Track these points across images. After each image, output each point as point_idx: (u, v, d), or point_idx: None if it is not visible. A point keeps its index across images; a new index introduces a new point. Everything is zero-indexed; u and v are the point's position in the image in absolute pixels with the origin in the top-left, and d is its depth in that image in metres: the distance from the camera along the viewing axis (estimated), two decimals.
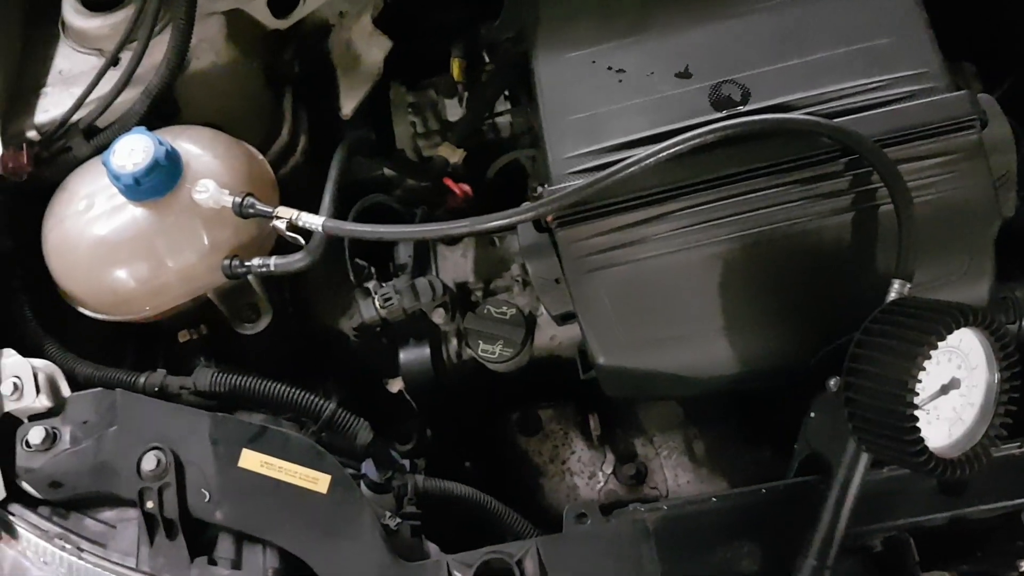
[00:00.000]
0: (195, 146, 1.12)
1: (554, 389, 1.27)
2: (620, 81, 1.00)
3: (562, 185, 0.96)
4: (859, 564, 0.87)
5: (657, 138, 0.94)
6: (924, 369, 0.75)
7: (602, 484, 1.26)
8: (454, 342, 1.15)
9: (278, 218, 1.02)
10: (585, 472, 1.27)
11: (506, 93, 1.37)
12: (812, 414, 0.90)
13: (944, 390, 0.80)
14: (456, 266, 1.20)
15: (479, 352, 1.12)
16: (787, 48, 0.97)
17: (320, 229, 1.00)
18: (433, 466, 1.23)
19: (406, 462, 1.08)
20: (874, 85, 0.94)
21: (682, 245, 0.94)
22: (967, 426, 0.81)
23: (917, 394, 0.75)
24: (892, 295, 0.85)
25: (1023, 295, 0.98)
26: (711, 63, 0.98)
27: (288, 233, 1.01)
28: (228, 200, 1.05)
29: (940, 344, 0.76)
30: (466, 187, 1.29)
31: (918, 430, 0.75)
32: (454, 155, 1.30)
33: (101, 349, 1.15)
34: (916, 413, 0.76)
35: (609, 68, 1.00)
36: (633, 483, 1.25)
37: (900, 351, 0.77)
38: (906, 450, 0.76)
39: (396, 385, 1.17)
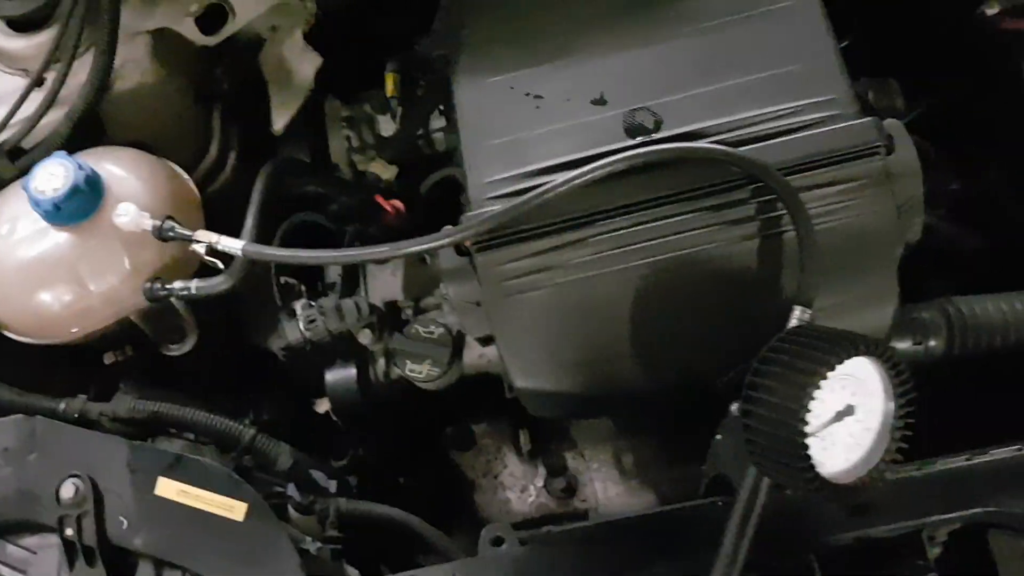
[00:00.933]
0: (118, 168, 1.11)
1: (487, 405, 1.29)
2: (538, 107, 1.01)
3: (481, 211, 0.96)
4: None
5: (574, 164, 0.95)
6: (815, 398, 0.77)
7: (533, 498, 1.28)
8: (381, 362, 1.16)
9: (197, 242, 1.02)
10: (517, 486, 1.29)
11: (441, 108, 1.37)
12: (718, 436, 0.92)
13: (839, 416, 0.81)
14: (386, 284, 1.20)
15: (407, 371, 1.13)
16: (700, 75, 0.98)
17: (239, 253, 1.00)
18: (367, 483, 1.25)
19: (333, 483, 1.09)
20: (782, 112, 0.95)
21: (597, 270, 0.95)
22: (863, 451, 0.82)
23: (808, 422, 0.77)
24: (793, 321, 0.87)
25: (930, 317, 0.99)
26: (626, 90, 0.99)
27: (207, 258, 1.02)
28: (148, 224, 1.04)
29: (832, 373, 0.78)
30: (398, 204, 1.30)
31: (809, 457, 0.77)
32: (386, 171, 1.31)
33: (32, 372, 1.15)
34: (809, 440, 0.77)
35: (527, 94, 1.01)
36: (564, 496, 1.27)
37: (794, 379, 0.78)
38: (799, 476, 0.78)
39: (324, 405, 1.17)
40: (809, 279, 0.87)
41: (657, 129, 0.96)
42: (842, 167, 0.92)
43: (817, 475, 0.78)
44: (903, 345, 0.99)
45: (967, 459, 0.91)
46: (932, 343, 0.99)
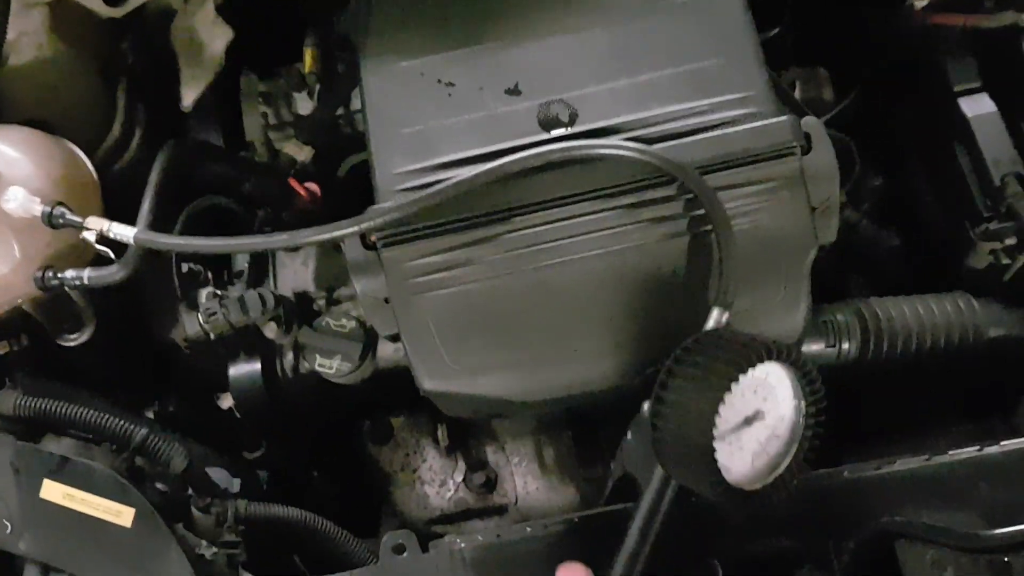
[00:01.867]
0: (10, 148, 1.05)
1: (404, 399, 1.25)
2: (450, 95, 0.96)
3: (386, 204, 0.92)
4: None
5: (487, 157, 0.91)
6: (724, 402, 0.75)
7: (452, 493, 1.25)
8: (290, 356, 1.12)
9: (87, 229, 0.97)
10: (436, 481, 1.26)
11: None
12: (629, 435, 0.90)
13: (748, 422, 0.80)
14: (296, 274, 1.16)
15: (316, 366, 1.09)
16: (617, 68, 0.94)
17: (131, 241, 0.95)
18: (280, 478, 1.21)
19: (236, 482, 1.05)
20: (699, 109, 0.92)
21: (507, 269, 0.92)
22: (770, 458, 0.81)
23: (716, 426, 0.75)
24: (710, 323, 0.85)
25: (844, 319, 0.98)
26: (541, 81, 0.95)
27: (99, 246, 0.96)
28: (38, 209, 0.99)
29: (744, 377, 0.76)
30: (313, 187, 1.25)
31: (716, 461, 0.75)
32: (301, 152, 1.26)
33: None
34: (717, 444, 0.76)
35: (439, 81, 0.97)
36: (483, 491, 1.25)
37: (705, 382, 0.76)
38: (705, 480, 0.77)
39: (228, 400, 1.13)
40: (728, 281, 0.85)
41: (572, 123, 0.93)
42: (757, 167, 0.90)
43: (723, 480, 0.77)
44: (817, 347, 0.97)
45: (876, 468, 0.90)
46: (846, 346, 0.98)
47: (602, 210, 0.91)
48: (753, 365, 0.76)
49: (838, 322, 0.98)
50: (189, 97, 1.27)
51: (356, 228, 0.89)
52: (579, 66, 0.95)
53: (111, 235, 0.96)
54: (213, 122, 1.31)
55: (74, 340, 1.09)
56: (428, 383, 0.93)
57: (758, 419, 0.80)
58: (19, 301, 1.06)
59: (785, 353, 0.78)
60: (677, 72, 0.93)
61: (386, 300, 0.96)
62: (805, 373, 0.80)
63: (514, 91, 0.95)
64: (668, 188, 0.90)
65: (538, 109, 0.94)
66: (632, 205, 0.91)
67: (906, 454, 0.91)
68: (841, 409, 0.96)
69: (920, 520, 0.87)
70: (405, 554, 0.90)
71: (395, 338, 1.00)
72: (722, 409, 0.76)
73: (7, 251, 1.02)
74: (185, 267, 1.16)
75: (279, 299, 1.09)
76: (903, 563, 0.88)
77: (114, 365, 1.15)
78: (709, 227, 0.89)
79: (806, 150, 0.91)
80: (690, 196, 0.89)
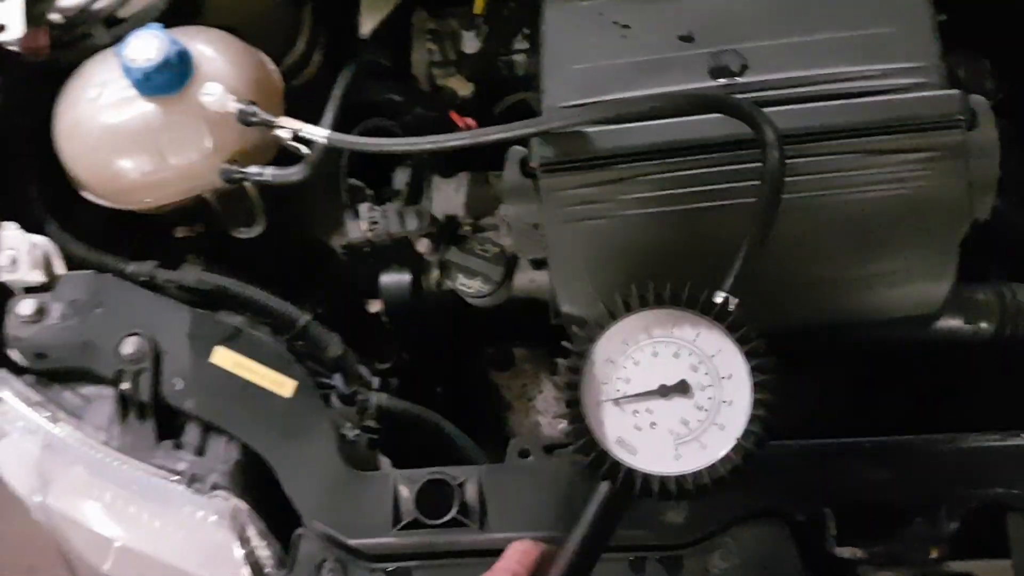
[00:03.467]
0: (209, 48, 1.14)
1: (530, 330, 1.31)
2: (623, 37, 1.01)
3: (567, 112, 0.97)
4: (780, 531, 0.91)
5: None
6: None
7: (564, 425, 1.31)
8: (435, 273, 1.19)
9: (281, 127, 1.05)
10: (549, 412, 1.32)
11: (525, 31, 1.38)
12: None
13: (665, 392, 0.73)
14: (448, 199, 1.22)
15: (458, 285, 1.16)
16: (791, 25, 0.97)
17: (324, 140, 1.03)
18: (406, 388, 1.28)
19: (376, 380, 1.13)
20: (870, 73, 0.94)
21: (661, 206, 0.96)
22: (696, 444, 0.73)
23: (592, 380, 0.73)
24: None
25: (984, 298, 0.99)
26: (714, 30, 0.98)
27: (291, 143, 1.04)
28: (233, 106, 1.08)
29: (656, 331, 0.73)
30: (471, 121, 1.31)
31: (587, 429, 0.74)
32: (464, 88, 1.32)
33: (101, 236, 1.19)
34: (600, 405, 0.74)
35: (615, 23, 1.02)
36: None
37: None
38: (581, 449, 0.74)
39: (376, 306, 1.21)
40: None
41: (742, 73, 0.96)
42: (922, 135, 0.91)
43: (604, 455, 0.73)
44: (955, 323, 0.98)
45: (998, 439, 0.91)
46: (983, 325, 0.99)
47: (751, 161, 0.94)
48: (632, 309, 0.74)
49: (977, 300, 0.99)
50: (368, 25, 1.35)
51: (536, 129, 0.95)
52: (753, 19, 0.98)
53: (302, 134, 1.04)
54: (385, 54, 1.38)
55: (245, 233, 1.18)
56: (568, 307, 0.99)
57: (681, 392, 0.73)
58: (203, 190, 1.16)
59: (703, 306, 0.73)
60: (852, 35, 0.96)
61: (535, 226, 1.02)
62: (746, 343, 0.73)
63: (687, 38, 0.99)
64: (826, 145, 0.92)
65: (709, 57, 0.98)
66: (799, 155, 0.93)
67: None
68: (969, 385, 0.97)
69: None
70: (530, 458, 0.96)
71: (539, 264, 1.06)
72: (623, 364, 0.73)
73: (200, 141, 1.11)
74: (349, 182, 1.23)
75: (433, 218, 1.16)
76: (1012, 537, 0.88)
77: (275, 262, 1.24)
78: (865, 189, 0.92)
79: (971, 126, 0.92)
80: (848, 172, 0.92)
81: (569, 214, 0.97)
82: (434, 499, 0.94)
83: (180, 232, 1.21)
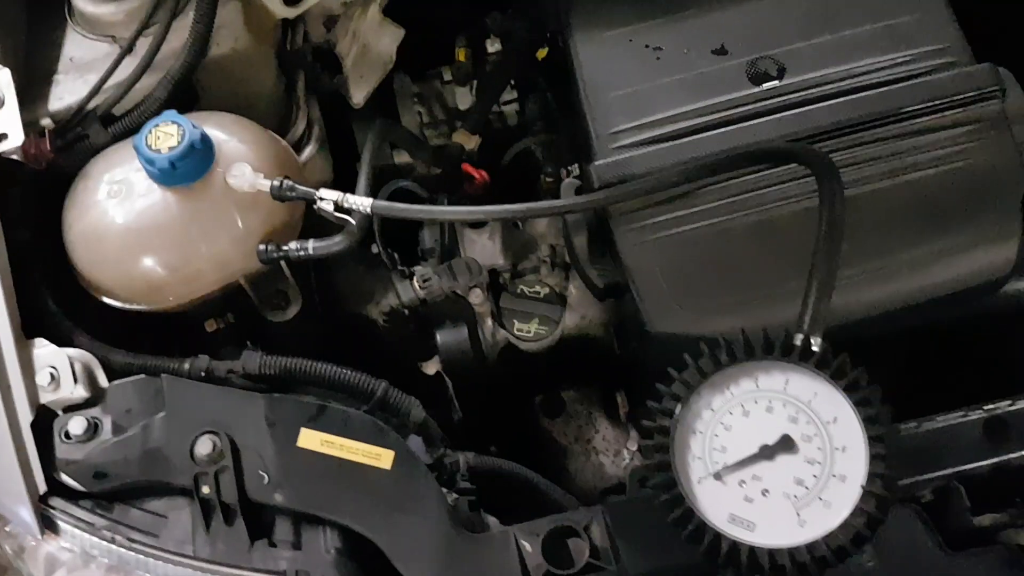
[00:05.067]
0: (221, 132, 1.10)
1: (577, 374, 1.29)
2: (658, 59, 1.03)
3: (608, 159, 0.98)
4: (912, 514, 0.90)
5: (699, 112, 0.99)
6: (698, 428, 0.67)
7: (628, 461, 1.29)
8: (489, 323, 1.16)
9: (322, 199, 1.02)
10: (610, 451, 1.29)
11: (512, 83, 1.39)
12: None
13: (768, 453, 0.67)
14: (484, 249, 1.21)
15: (514, 331, 1.14)
16: (817, 25, 1.01)
17: (368, 210, 0.99)
18: (459, 448, 1.24)
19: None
20: (900, 60, 0.99)
21: (730, 212, 0.97)
22: (812, 508, 0.66)
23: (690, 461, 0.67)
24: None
25: None
26: (746, 40, 1.02)
27: (336, 214, 1.01)
28: (265, 184, 1.04)
29: (733, 389, 0.68)
30: (483, 173, 1.30)
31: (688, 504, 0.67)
32: (470, 142, 1.31)
33: (117, 343, 1.12)
34: (703, 487, 0.67)
35: (647, 46, 1.04)
36: None
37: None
38: (680, 528, 0.69)
39: (431, 367, 1.17)
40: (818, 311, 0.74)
41: (781, 76, 0.99)
42: (964, 109, 0.96)
43: (719, 539, 0.65)
44: (1021, 285, 1.02)
45: None
46: None
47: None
48: (722, 365, 0.67)
49: None
50: (360, 94, 1.34)
51: (603, 199, 0.96)
52: (781, 26, 1.02)
53: (346, 205, 1.01)
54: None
55: (282, 316, 1.13)
56: (658, 326, 0.98)
57: (787, 450, 0.67)
58: (235, 277, 1.10)
59: (800, 354, 0.66)
60: (875, 27, 1.01)
61: (603, 252, 1.01)
62: (845, 382, 0.66)
63: (720, 51, 1.02)
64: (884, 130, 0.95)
65: (746, 66, 1.00)
66: (848, 146, 0.96)
67: None
68: None
69: None
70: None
71: (609, 291, 1.05)
72: (722, 433, 0.66)
73: (231, 226, 1.07)
74: (374, 248, 1.20)
75: (481, 267, 1.13)
76: None
77: (311, 342, 1.18)
78: (922, 169, 0.95)
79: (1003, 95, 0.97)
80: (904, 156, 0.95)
81: (641, 231, 0.97)
82: (560, 549, 0.89)
83: (210, 326, 1.15)
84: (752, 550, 0.64)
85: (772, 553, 0.64)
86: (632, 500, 0.93)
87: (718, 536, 0.65)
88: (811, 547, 0.63)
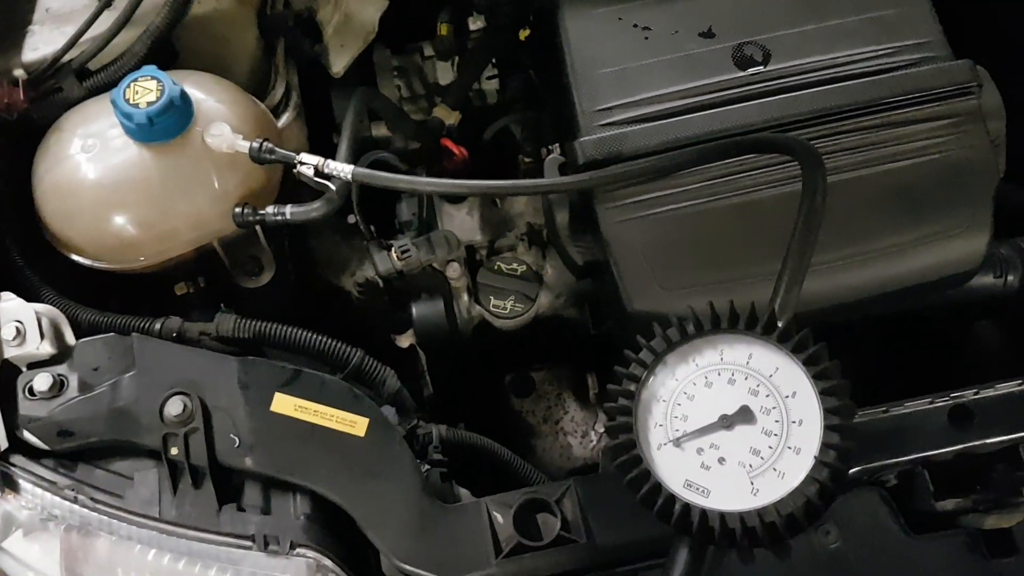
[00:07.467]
0: (200, 91, 1.08)
1: (549, 353, 1.30)
2: (646, 39, 1.03)
3: (592, 136, 0.98)
4: (876, 497, 0.92)
5: (685, 93, 0.99)
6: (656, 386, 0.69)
7: (595, 443, 1.29)
8: (465, 298, 1.15)
9: (303, 163, 1.00)
10: (578, 432, 1.30)
11: (493, 61, 1.38)
12: None
13: (727, 422, 0.67)
14: (462, 224, 1.20)
15: (490, 307, 1.13)
16: (803, 14, 1.03)
17: (349, 176, 0.98)
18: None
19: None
20: (883, 51, 1.00)
21: (712, 195, 0.97)
22: (768, 477, 0.66)
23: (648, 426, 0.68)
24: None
25: (1007, 253, 1.06)
26: (733, 24, 1.03)
27: (316, 179, 1.00)
28: (244, 145, 1.02)
29: (695, 358, 0.69)
30: (463, 150, 1.30)
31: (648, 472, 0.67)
32: (450, 117, 1.30)
33: (84, 303, 1.09)
34: (662, 451, 0.67)
35: (635, 26, 1.04)
36: None
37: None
38: (645, 498, 0.68)
39: (405, 340, 1.16)
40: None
41: (766, 62, 1.00)
42: (943, 103, 0.98)
43: (672, 500, 0.66)
44: (986, 279, 1.04)
45: None
46: (1010, 278, 1.05)
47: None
48: (688, 337, 0.68)
49: (1002, 255, 1.06)
50: (340, 63, 1.32)
51: (591, 182, 0.96)
52: (767, 12, 1.03)
53: (326, 170, 0.99)
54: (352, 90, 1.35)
55: (254, 282, 1.12)
56: (637, 304, 0.98)
57: (745, 421, 0.67)
58: (210, 238, 1.08)
59: (764, 327, 0.67)
60: (860, 19, 1.02)
61: (584, 231, 1.02)
62: (810, 359, 0.67)
63: (707, 34, 1.03)
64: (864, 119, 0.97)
65: (732, 50, 1.01)
66: (828, 134, 0.97)
67: None
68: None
69: None
70: None
71: (588, 269, 1.05)
72: (681, 401, 0.68)
73: (208, 186, 1.05)
74: (351, 219, 1.19)
75: (459, 241, 1.13)
76: None
77: (283, 309, 1.16)
78: (899, 160, 0.96)
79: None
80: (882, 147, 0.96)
81: (624, 211, 0.97)
82: (532, 521, 0.89)
83: (180, 289, 1.13)
84: (704, 513, 0.64)
85: (723, 516, 0.65)
86: (604, 476, 0.93)
87: (672, 498, 0.66)
88: (761, 512, 0.64)
